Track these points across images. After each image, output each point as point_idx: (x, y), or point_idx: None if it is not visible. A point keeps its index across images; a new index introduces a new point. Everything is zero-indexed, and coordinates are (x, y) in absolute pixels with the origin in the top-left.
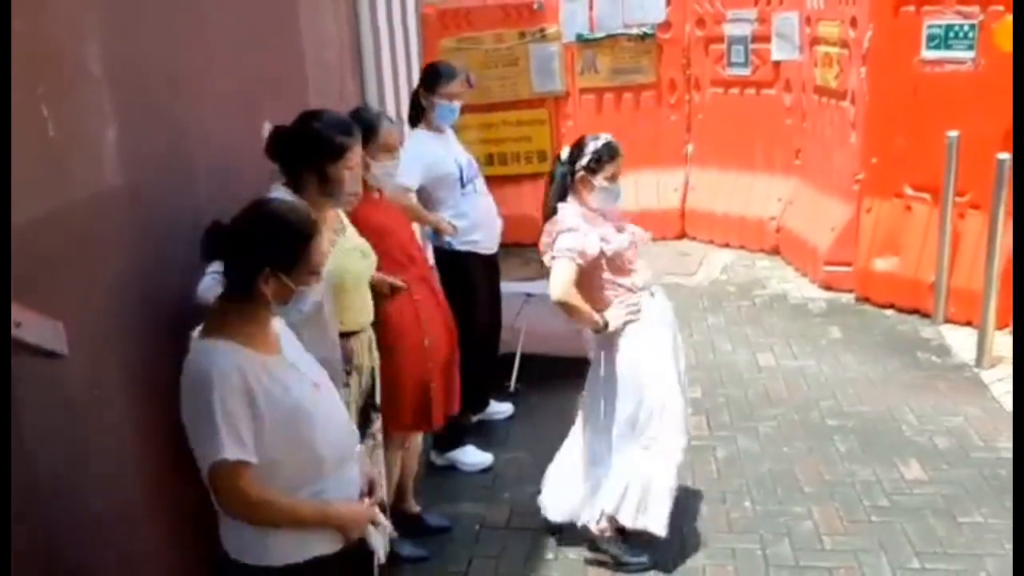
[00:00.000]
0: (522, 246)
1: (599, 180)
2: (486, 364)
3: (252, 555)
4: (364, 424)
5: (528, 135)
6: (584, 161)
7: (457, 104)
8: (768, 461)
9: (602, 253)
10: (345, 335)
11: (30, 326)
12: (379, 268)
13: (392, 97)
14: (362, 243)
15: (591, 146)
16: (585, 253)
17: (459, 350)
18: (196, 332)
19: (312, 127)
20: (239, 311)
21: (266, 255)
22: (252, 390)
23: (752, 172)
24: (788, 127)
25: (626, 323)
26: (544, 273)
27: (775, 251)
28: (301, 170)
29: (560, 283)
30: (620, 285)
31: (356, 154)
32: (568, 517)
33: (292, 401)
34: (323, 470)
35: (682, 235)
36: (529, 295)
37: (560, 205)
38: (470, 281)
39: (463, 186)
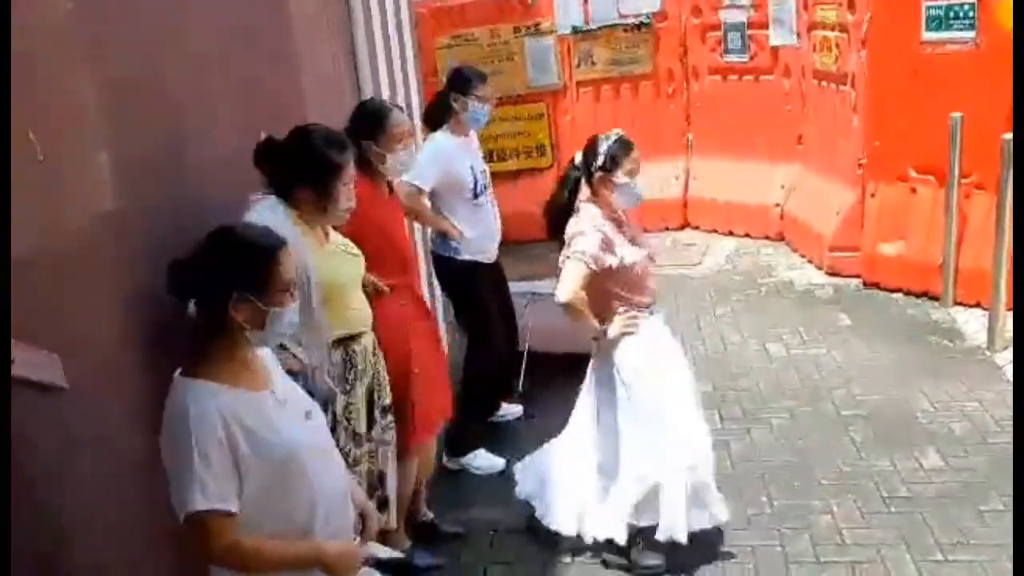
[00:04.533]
0: (522, 243)
1: (618, 177)
2: (506, 370)
3: None
4: (370, 426)
5: (526, 130)
6: (599, 161)
7: (489, 107)
8: (783, 454)
9: (616, 264)
10: (348, 339)
11: (25, 361)
12: (367, 268)
13: (388, 96)
14: (345, 241)
15: (603, 146)
16: (599, 258)
17: (466, 361)
18: (178, 371)
19: (308, 144)
20: (220, 348)
21: (231, 279)
22: (234, 435)
23: (754, 159)
24: (789, 113)
25: (624, 335)
26: (546, 271)
27: (779, 238)
28: (295, 186)
29: (568, 285)
30: (629, 300)
31: (351, 170)
32: (577, 528)
33: (283, 442)
34: (316, 511)
35: (685, 225)
36: (534, 294)
37: (581, 206)
38: (479, 292)
39: (475, 196)
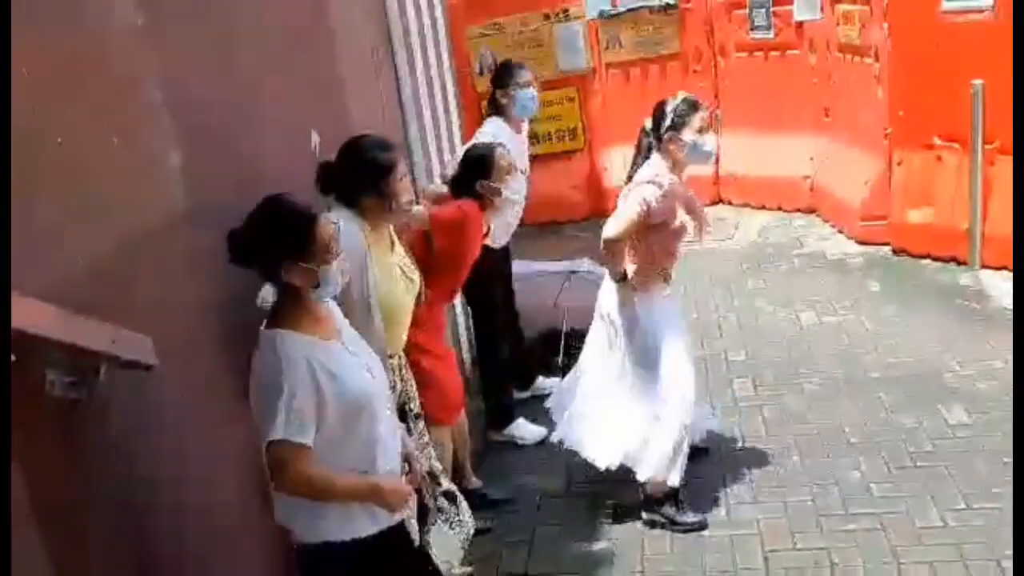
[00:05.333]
0: (559, 223)
1: (688, 135)
2: (517, 344)
3: (304, 532)
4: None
5: (558, 114)
6: (668, 122)
7: (534, 91)
8: (814, 416)
9: (667, 224)
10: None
11: (123, 342)
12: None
13: (426, 91)
14: (406, 259)
15: (670, 106)
16: (656, 211)
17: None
18: (263, 326)
19: (358, 153)
20: (294, 303)
21: (277, 248)
22: (318, 378)
23: (782, 133)
24: (815, 86)
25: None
26: (580, 251)
27: (810, 210)
28: (359, 195)
29: (620, 223)
30: (658, 260)
31: (402, 167)
32: (621, 460)
33: (358, 387)
34: (376, 450)
35: (717, 200)
36: (573, 272)
37: (653, 157)
38: (486, 275)
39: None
